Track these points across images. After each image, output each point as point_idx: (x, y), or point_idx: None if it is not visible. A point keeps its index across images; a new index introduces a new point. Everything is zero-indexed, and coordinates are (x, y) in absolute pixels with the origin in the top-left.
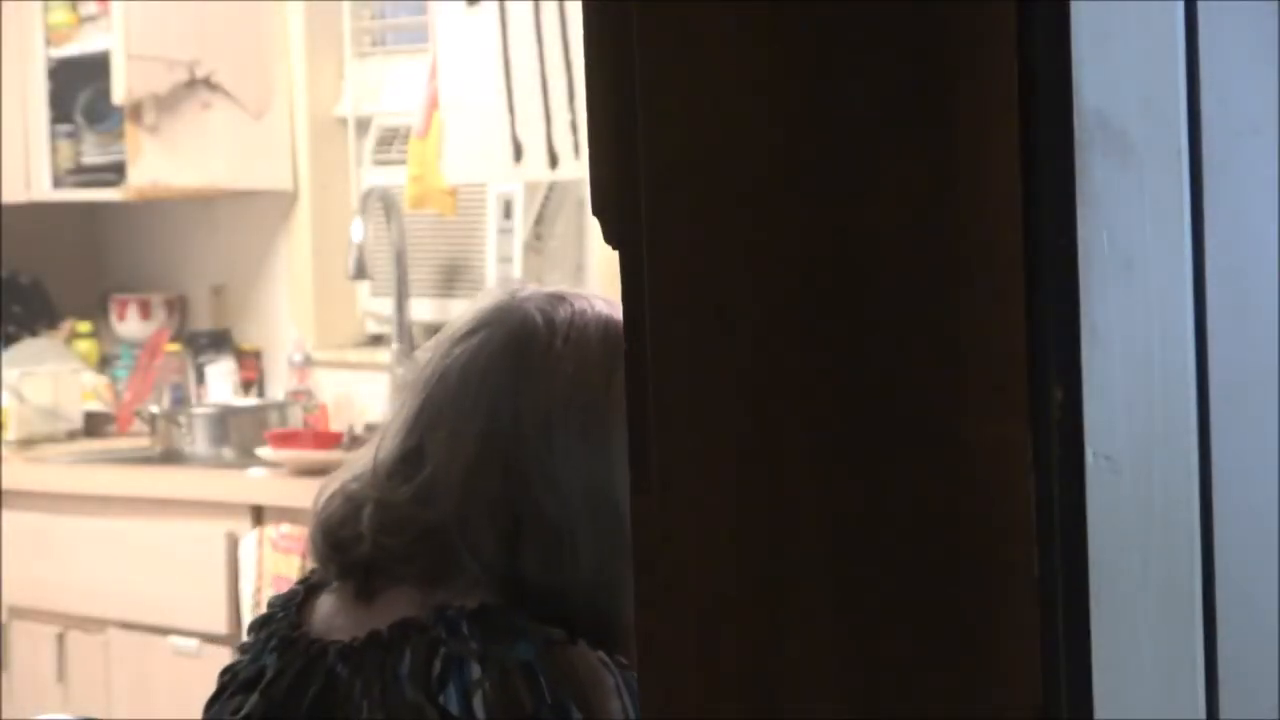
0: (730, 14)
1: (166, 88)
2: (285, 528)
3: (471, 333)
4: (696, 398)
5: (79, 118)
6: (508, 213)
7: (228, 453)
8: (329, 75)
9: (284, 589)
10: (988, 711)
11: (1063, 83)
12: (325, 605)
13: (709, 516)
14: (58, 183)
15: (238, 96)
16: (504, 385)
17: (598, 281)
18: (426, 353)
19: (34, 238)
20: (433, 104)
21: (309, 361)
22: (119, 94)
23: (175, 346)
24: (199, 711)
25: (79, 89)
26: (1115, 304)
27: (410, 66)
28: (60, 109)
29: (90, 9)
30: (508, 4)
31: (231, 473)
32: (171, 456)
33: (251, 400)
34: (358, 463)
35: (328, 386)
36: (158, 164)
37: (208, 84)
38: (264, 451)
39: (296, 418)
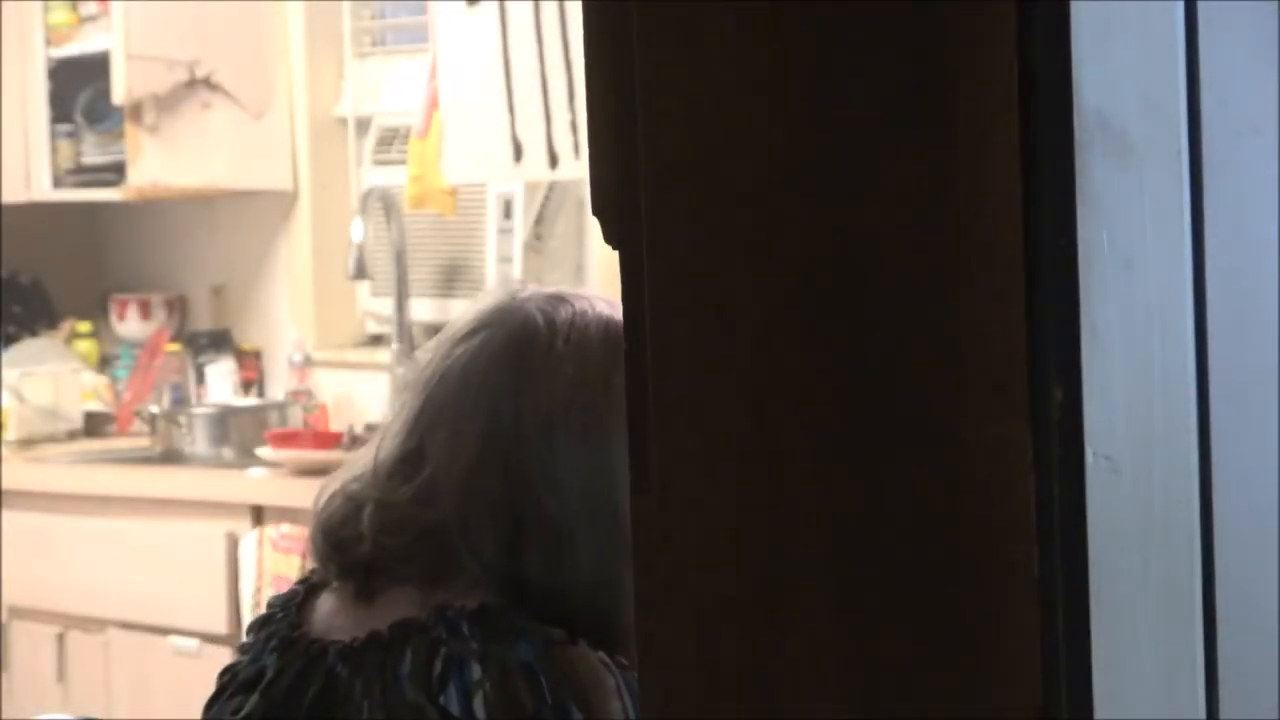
0: (730, 14)
1: (166, 88)
2: (285, 528)
3: (472, 333)
4: (696, 398)
5: (79, 118)
6: (508, 213)
7: (228, 453)
8: (329, 75)
9: (284, 589)
10: (988, 711)
11: (1063, 83)
12: (325, 605)
13: (709, 516)
14: (58, 183)
15: (238, 96)
16: (505, 386)
17: (598, 281)
18: (427, 353)
19: (34, 238)
20: (433, 104)
21: (309, 361)
22: (119, 94)
23: (175, 346)
24: (199, 711)
25: (79, 89)
26: (1115, 304)
27: (410, 66)
28: (60, 109)
29: (90, 9)
30: (508, 4)
31: (231, 473)
32: (171, 456)
33: (251, 400)
34: (358, 463)
35: (328, 386)
36: (158, 164)
37: (208, 84)
38: (264, 451)
39: (296, 418)
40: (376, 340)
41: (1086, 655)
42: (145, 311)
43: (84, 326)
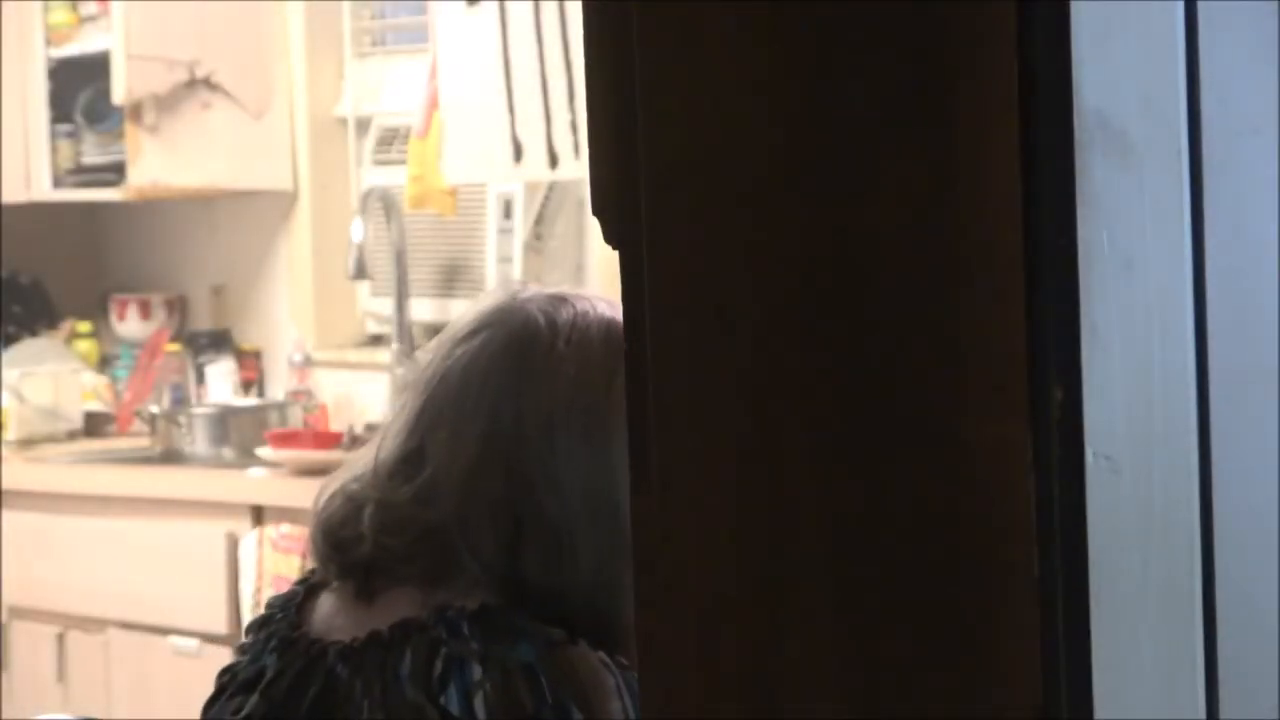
0: (730, 14)
1: (166, 88)
2: (285, 528)
3: (473, 334)
4: (696, 398)
5: (79, 118)
6: (508, 213)
7: (228, 453)
8: (329, 75)
9: (284, 589)
10: (988, 711)
11: (1063, 83)
12: (325, 606)
13: (709, 516)
14: (58, 183)
15: (238, 96)
16: (506, 386)
17: (598, 281)
18: (428, 353)
19: (34, 238)
20: (433, 104)
21: (309, 361)
22: (119, 94)
23: (175, 346)
24: (198, 712)
25: (79, 89)
26: (1115, 304)
27: (410, 66)
28: (60, 109)
29: (90, 9)
30: (508, 4)
31: (231, 473)
32: (171, 456)
33: (251, 400)
34: (358, 463)
35: (328, 386)
36: (158, 164)
37: (208, 84)
38: (264, 451)
39: (296, 418)
40: (376, 340)
41: (1086, 655)
42: (145, 311)
43: (84, 326)
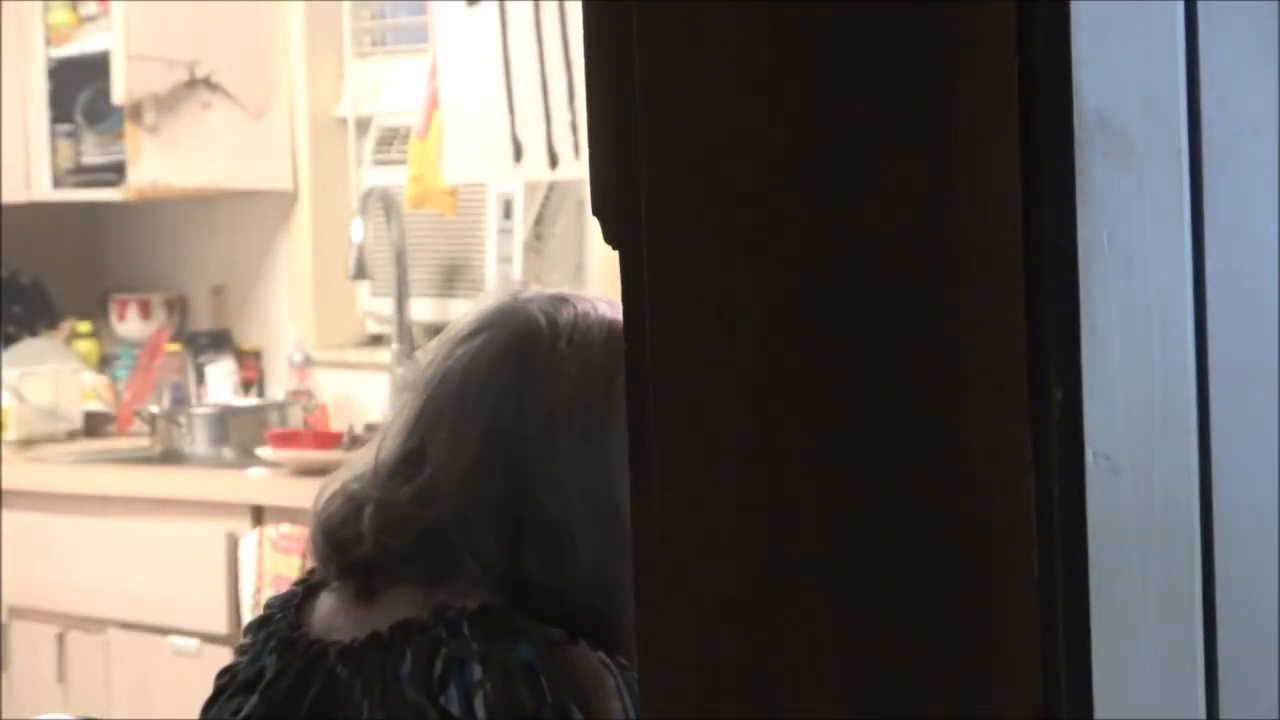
0: (730, 14)
1: (166, 88)
2: (285, 528)
3: (474, 334)
4: (696, 398)
5: (79, 118)
6: (508, 213)
7: (228, 453)
8: (329, 75)
9: (284, 589)
10: (988, 711)
11: (1063, 83)
12: (325, 606)
13: (709, 516)
14: (58, 183)
15: (238, 96)
16: (507, 386)
17: (598, 281)
18: (428, 353)
19: (34, 238)
20: (433, 104)
21: (309, 361)
22: (119, 94)
23: (175, 346)
24: (198, 712)
25: (79, 89)
26: (1115, 304)
27: (410, 66)
28: (60, 109)
29: (90, 9)
30: (508, 4)
31: (231, 473)
32: (171, 456)
33: (251, 400)
34: (358, 463)
35: (328, 386)
36: (158, 164)
37: (208, 84)
38: (264, 451)
39: (296, 418)
40: (376, 340)
41: (1086, 655)
42: (145, 311)
43: (84, 326)
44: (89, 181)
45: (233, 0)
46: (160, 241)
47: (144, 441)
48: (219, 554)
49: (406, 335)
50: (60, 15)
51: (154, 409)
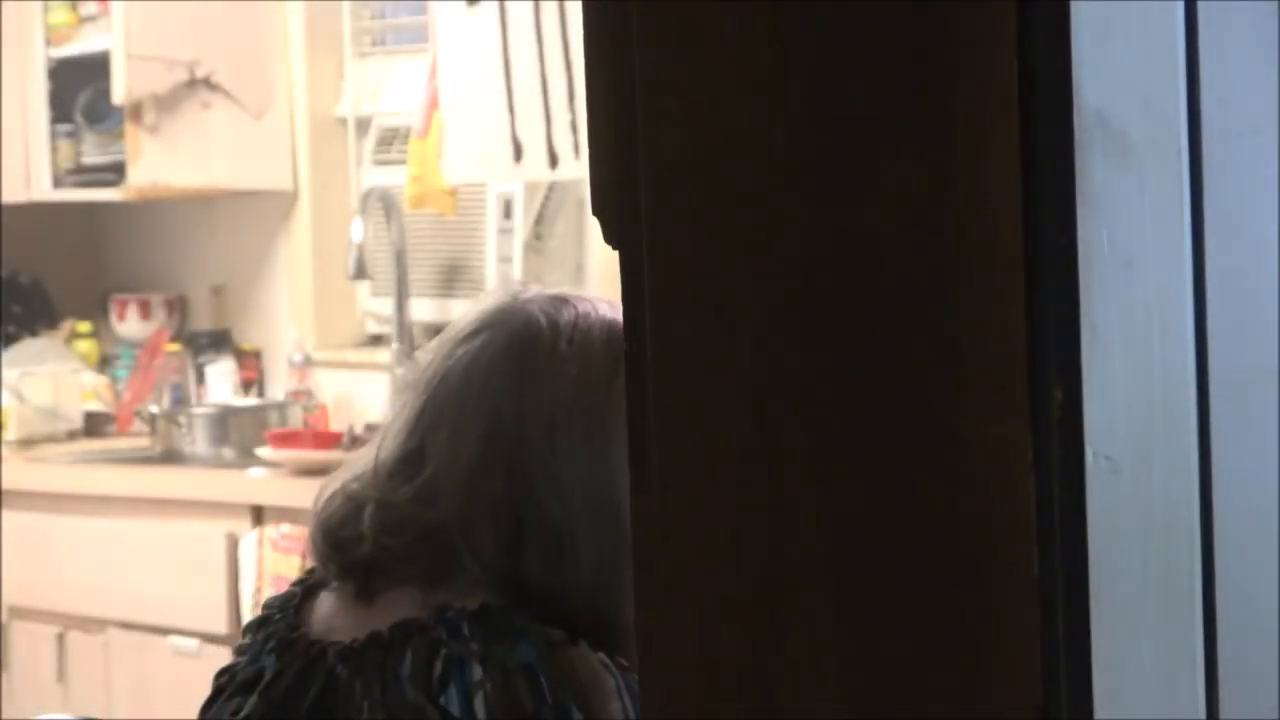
0: (730, 14)
1: (166, 88)
2: (285, 528)
3: (474, 334)
4: (696, 398)
5: (79, 118)
6: (508, 213)
7: (228, 453)
8: (329, 75)
9: (283, 589)
10: (988, 711)
11: (1063, 83)
12: (324, 606)
13: (709, 516)
14: (58, 183)
15: (238, 96)
16: (507, 386)
17: (598, 281)
18: (428, 353)
19: (34, 238)
20: (433, 104)
21: (309, 361)
22: (119, 94)
23: (175, 346)
24: (197, 712)
25: (79, 89)
26: (1115, 304)
27: (410, 66)
28: (60, 109)
29: (90, 9)
30: (508, 4)
31: (231, 473)
32: (171, 456)
33: (251, 400)
34: (358, 463)
35: (328, 386)
36: (158, 164)
37: (208, 84)
38: (264, 451)
39: (296, 418)
40: (376, 340)
41: (1086, 655)
42: (145, 311)
43: (84, 326)
44: (89, 181)
45: (233, 0)
46: (160, 241)
47: (144, 441)
48: (219, 554)
49: (406, 335)
50: (60, 15)
51: (154, 409)
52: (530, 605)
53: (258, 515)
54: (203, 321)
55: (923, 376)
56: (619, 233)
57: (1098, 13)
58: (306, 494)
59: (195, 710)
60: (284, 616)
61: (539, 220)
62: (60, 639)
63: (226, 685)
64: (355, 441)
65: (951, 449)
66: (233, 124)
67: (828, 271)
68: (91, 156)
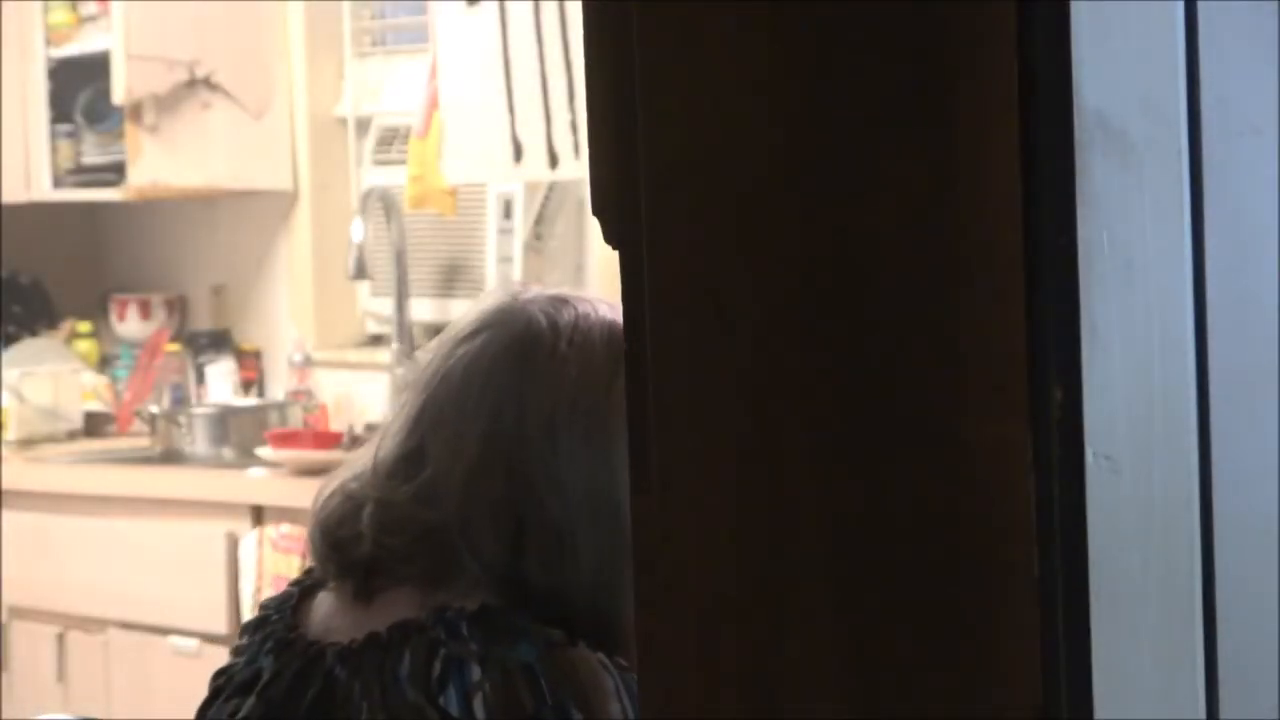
0: (730, 14)
1: (166, 88)
2: (285, 528)
3: (474, 334)
4: (696, 398)
5: (79, 118)
6: (508, 213)
7: (228, 453)
8: (329, 75)
9: (283, 589)
10: (988, 711)
11: (1063, 83)
12: (323, 606)
13: (709, 516)
14: (58, 183)
15: (238, 96)
16: (508, 386)
17: (598, 281)
18: (428, 353)
19: (34, 238)
20: (433, 104)
21: (309, 361)
22: (119, 94)
23: (175, 346)
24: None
25: (79, 89)
26: (1115, 304)
27: (410, 66)
28: (60, 109)
29: (90, 9)
30: (508, 4)
31: (231, 473)
32: (171, 456)
33: (251, 400)
34: (357, 462)
35: (328, 386)
36: (158, 164)
37: (208, 84)
38: (264, 451)
39: (296, 418)
40: (376, 340)
41: (1086, 655)
42: (145, 311)
43: (84, 326)
44: (89, 181)
45: (233, 0)
46: (160, 241)
47: (144, 441)
48: (219, 554)
49: (406, 335)
50: (60, 15)
51: (154, 409)
52: (530, 605)
53: (258, 515)
54: (203, 321)
55: (923, 376)
56: (619, 233)
57: (1098, 13)
58: (306, 494)
59: (194, 711)
60: (281, 617)
61: (539, 220)
62: (60, 639)
63: (224, 686)
64: (355, 441)
65: (951, 449)
66: (233, 124)
67: (828, 271)
68: (91, 156)
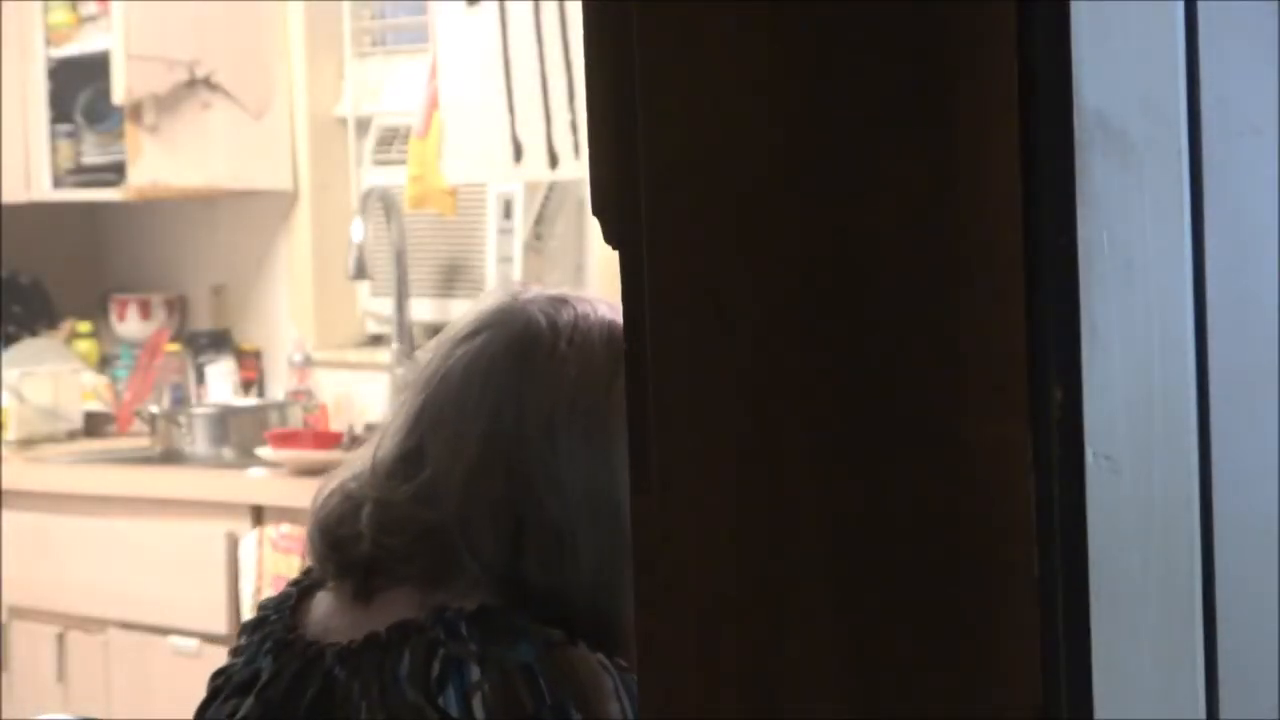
0: (730, 14)
1: (166, 88)
2: (285, 528)
3: (474, 334)
4: (696, 398)
5: (79, 118)
6: (508, 213)
7: (228, 453)
8: (329, 75)
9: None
10: (988, 711)
11: (1063, 83)
12: (321, 606)
13: (709, 516)
14: (58, 183)
15: (238, 96)
16: (507, 386)
17: (598, 281)
18: (427, 353)
19: (34, 238)
20: (433, 104)
21: (309, 361)
22: (119, 94)
23: (175, 346)
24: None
25: (79, 89)
26: (1115, 304)
27: (410, 66)
28: (60, 109)
29: (90, 9)
30: (508, 4)
31: (231, 473)
32: (171, 456)
33: (251, 400)
34: (356, 462)
35: (328, 386)
36: (158, 164)
37: (208, 84)
38: (264, 451)
39: (296, 418)
40: (376, 340)
41: (1086, 655)
42: (145, 311)
43: (84, 326)
44: (89, 181)
45: (233, 0)
46: (160, 241)
47: (144, 441)
48: (219, 554)
49: (406, 335)
50: (60, 15)
51: (154, 409)
52: (530, 605)
53: (258, 515)
54: (203, 321)
55: (923, 376)
56: (619, 233)
57: (1098, 13)
58: (306, 494)
59: (193, 711)
60: (280, 618)
61: (539, 220)
62: (60, 639)
63: (223, 687)
64: (355, 441)
65: (951, 449)
66: (233, 124)
67: (828, 271)
68: (91, 156)
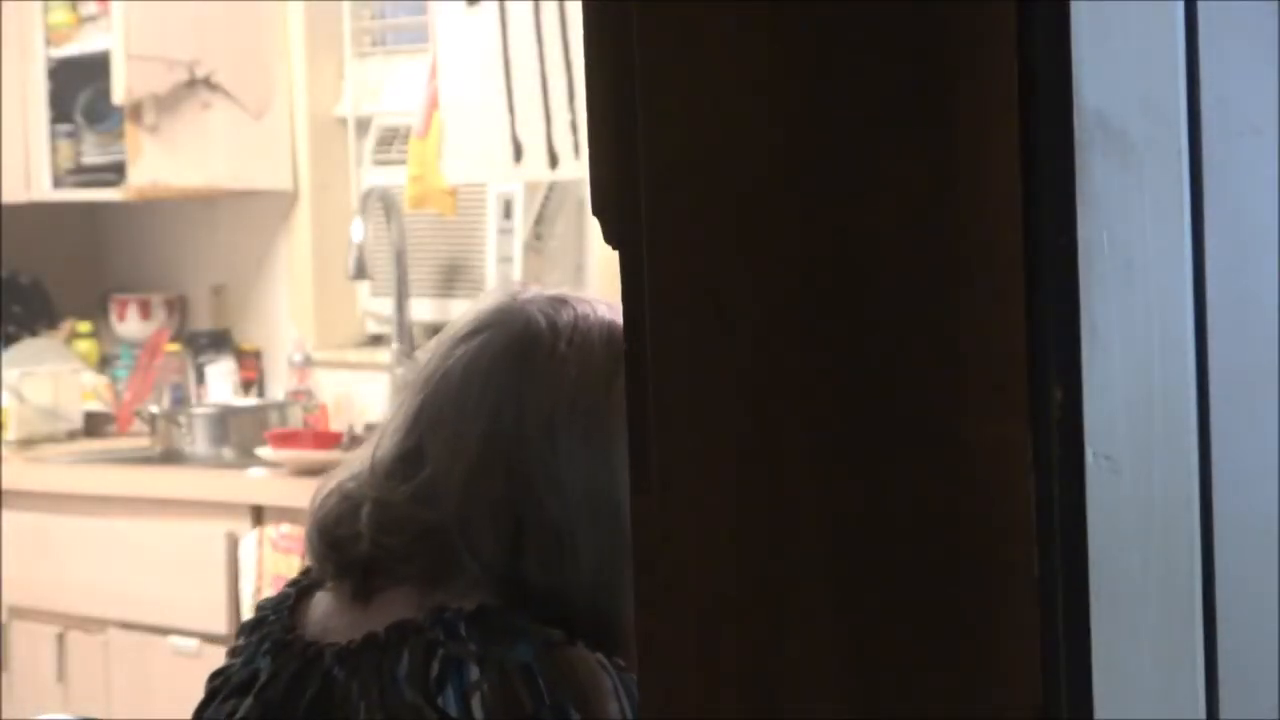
0: (730, 14)
1: (166, 88)
2: (285, 528)
3: (473, 334)
4: (696, 398)
5: (79, 118)
6: (508, 213)
7: (228, 453)
8: (329, 75)
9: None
10: (988, 711)
11: (1063, 83)
12: (320, 607)
13: (709, 516)
14: (58, 183)
15: (238, 96)
16: (507, 386)
17: (598, 281)
18: (427, 353)
19: (34, 238)
20: (433, 104)
21: (309, 361)
22: (119, 94)
23: (175, 346)
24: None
25: (79, 89)
26: (1115, 304)
27: (410, 66)
28: (60, 109)
29: (90, 9)
30: (508, 4)
31: (231, 473)
32: (171, 456)
33: (251, 400)
34: (355, 462)
35: (328, 386)
36: (158, 164)
37: (208, 84)
38: (264, 451)
39: (296, 418)
40: (376, 340)
41: (1086, 655)
42: (145, 311)
43: (84, 326)
44: (89, 181)
45: (233, 0)
46: (160, 241)
47: (144, 441)
48: (219, 554)
49: (406, 335)
50: (60, 15)
51: (154, 409)
52: (529, 605)
53: (258, 515)
54: (203, 321)
55: (923, 376)
56: (619, 233)
57: (1098, 13)
58: (306, 494)
59: (192, 712)
60: (279, 618)
61: (539, 220)
62: (60, 639)
63: (221, 687)
64: (355, 441)
65: (951, 449)
66: (233, 124)
67: (828, 271)
68: (91, 156)
